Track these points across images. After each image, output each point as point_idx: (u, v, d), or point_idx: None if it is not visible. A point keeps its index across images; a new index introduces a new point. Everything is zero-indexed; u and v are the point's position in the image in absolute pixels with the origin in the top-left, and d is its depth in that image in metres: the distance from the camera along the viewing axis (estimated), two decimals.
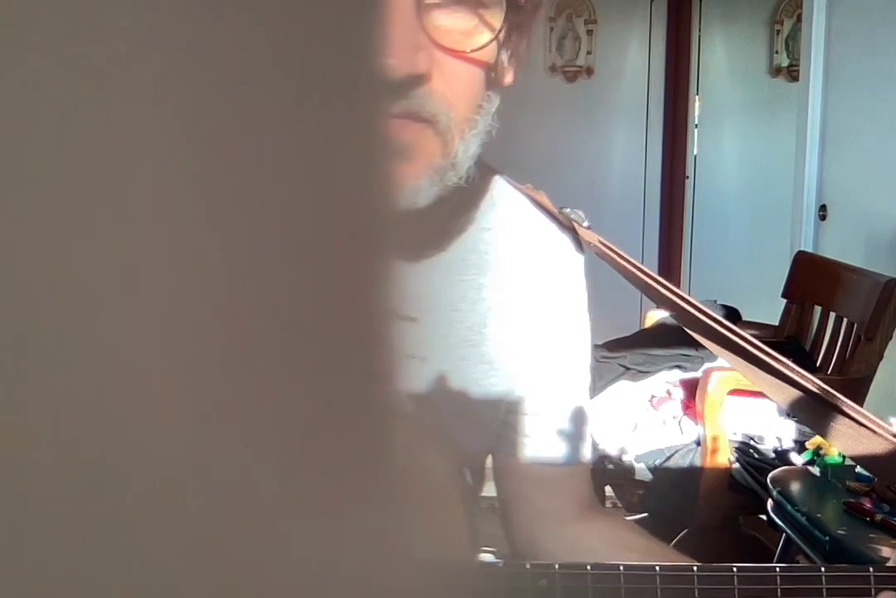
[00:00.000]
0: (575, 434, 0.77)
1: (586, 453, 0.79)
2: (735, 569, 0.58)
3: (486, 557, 0.64)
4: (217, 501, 0.17)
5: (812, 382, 0.63)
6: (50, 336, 0.16)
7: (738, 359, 0.66)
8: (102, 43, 0.16)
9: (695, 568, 0.58)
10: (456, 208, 0.70)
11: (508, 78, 0.66)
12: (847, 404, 0.63)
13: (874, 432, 0.61)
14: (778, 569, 0.59)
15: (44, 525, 0.17)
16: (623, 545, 0.74)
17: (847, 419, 0.62)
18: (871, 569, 0.59)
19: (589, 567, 0.57)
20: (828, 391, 0.63)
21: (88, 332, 0.16)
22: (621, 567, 0.58)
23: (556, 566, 0.57)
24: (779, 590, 0.58)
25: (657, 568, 0.58)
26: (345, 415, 0.19)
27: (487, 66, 0.62)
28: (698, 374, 2.12)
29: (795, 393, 0.63)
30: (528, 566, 0.57)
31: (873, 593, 0.59)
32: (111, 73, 0.16)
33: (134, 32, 0.16)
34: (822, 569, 0.59)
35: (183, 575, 0.17)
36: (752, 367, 0.65)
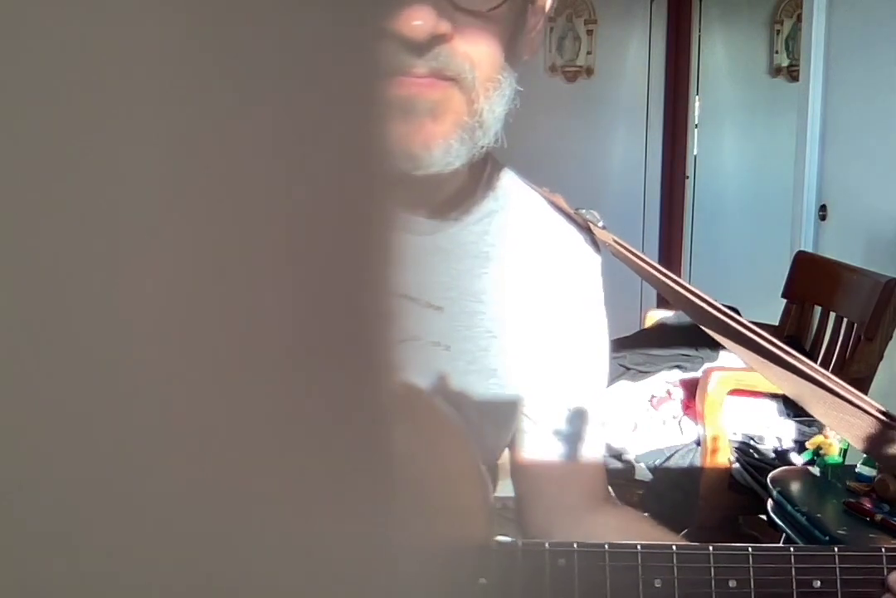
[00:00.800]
0: (590, 430, 0.79)
1: (600, 449, 0.81)
2: (750, 549, 0.60)
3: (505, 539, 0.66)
4: (225, 492, 0.17)
5: (820, 372, 0.65)
6: (52, 337, 0.16)
7: (753, 355, 0.68)
8: (106, 46, 0.16)
9: (710, 548, 0.60)
10: (468, 177, 0.73)
11: (526, 50, 0.70)
12: (857, 394, 0.64)
13: (884, 423, 0.62)
14: (792, 549, 0.61)
15: (44, 525, 0.17)
16: (634, 535, 0.75)
17: (858, 411, 0.64)
18: (882, 549, 0.61)
19: (606, 547, 0.59)
20: (836, 382, 0.65)
21: (90, 330, 0.16)
22: (638, 547, 0.60)
23: (575, 545, 0.59)
24: (793, 569, 0.60)
25: (674, 547, 0.60)
26: (358, 400, 0.19)
27: (505, 27, 0.65)
28: (698, 374, 2.11)
29: (806, 386, 0.65)
30: (546, 545, 0.59)
31: (885, 573, 0.61)
32: (113, 74, 0.16)
33: (131, 26, 0.16)
34: (836, 549, 0.61)
35: (197, 567, 0.17)
36: (767, 362, 0.67)
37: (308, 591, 0.19)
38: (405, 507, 0.20)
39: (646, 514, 2.03)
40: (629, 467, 2.07)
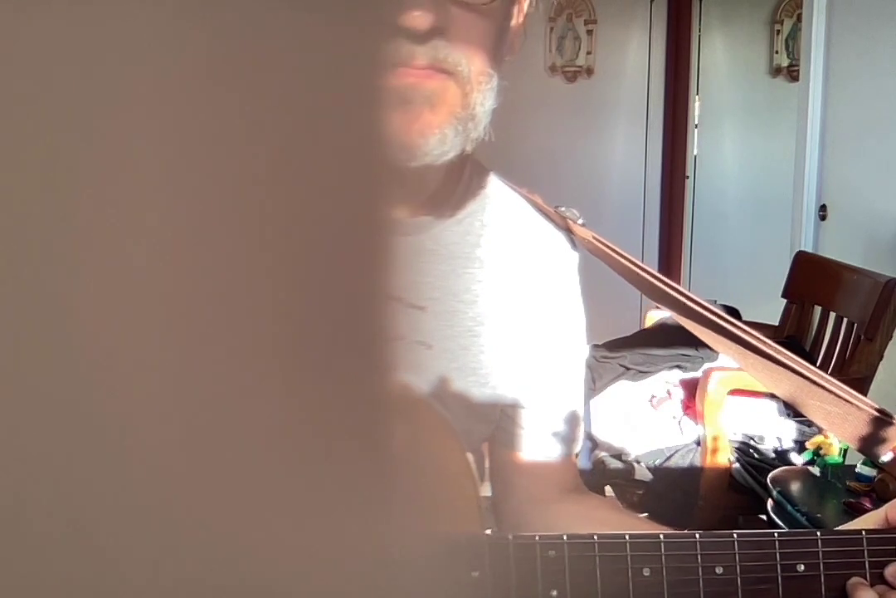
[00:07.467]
0: (568, 427, 0.82)
1: (577, 444, 0.84)
2: (735, 535, 0.62)
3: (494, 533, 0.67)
4: (224, 489, 0.17)
5: (813, 371, 0.67)
6: (52, 338, 0.16)
7: (736, 349, 0.69)
8: (107, 46, 0.16)
9: (697, 535, 0.62)
10: (454, 174, 0.76)
11: (509, 51, 0.73)
12: (841, 386, 0.66)
13: (882, 419, 0.64)
14: (776, 535, 0.62)
15: (44, 524, 0.17)
16: (596, 522, 0.78)
17: (841, 401, 0.66)
18: (863, 532, 0.63)
19: (595, 537, 0.60)
20: (830, 380, 0.66)
21: (90, 327, 0.16)
22: (627, 536, 0.61)
23: (565, 537, 0.60)
24: (777, 554, 0.62)
25: (661, 536, 0.61)
26: (352, 397, 0.19)
27: (496, 22, 0.69)
28: (698, 374, 2.11)
29: (794, 383, 0.67)
30: (537, 537, 0.60)
31: (865, 555, 0.63)
32: (113, 74, 0.16)
33: (132, 26, 0.16)
34: (818, 534, 0.63)
35: (197, 565, 0.17)
36: (750, 357, 0.69)
37: (304, 585, 0.19)
38: (399, 503, 0.20)
39: (644, 515, 2.04)
40: (629, 467, 2.07)
